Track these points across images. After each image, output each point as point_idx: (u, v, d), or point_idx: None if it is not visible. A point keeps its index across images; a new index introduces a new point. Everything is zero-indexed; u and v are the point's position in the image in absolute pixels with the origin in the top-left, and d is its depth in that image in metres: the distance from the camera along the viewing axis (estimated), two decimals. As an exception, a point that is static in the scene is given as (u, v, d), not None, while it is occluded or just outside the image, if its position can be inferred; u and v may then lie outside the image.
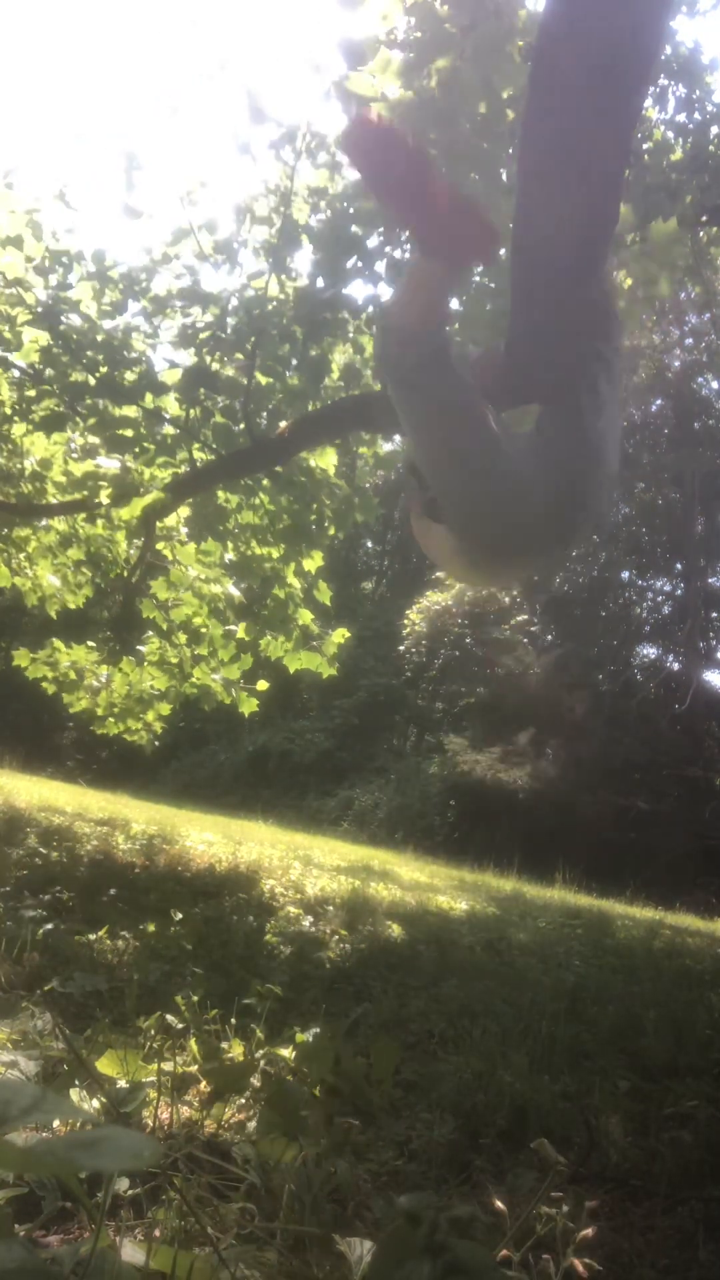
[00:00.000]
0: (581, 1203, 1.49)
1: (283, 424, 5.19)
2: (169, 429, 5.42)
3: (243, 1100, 2.03)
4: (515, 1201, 1.72)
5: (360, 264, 4.20)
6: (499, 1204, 1.48)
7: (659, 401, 22.26)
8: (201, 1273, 1.18)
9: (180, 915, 4.15)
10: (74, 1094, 1.78)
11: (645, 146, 5.48)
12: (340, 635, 6.51)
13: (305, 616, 6.44)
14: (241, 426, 5.11)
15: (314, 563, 6.27)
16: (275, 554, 6.27)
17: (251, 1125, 1.91)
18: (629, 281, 4.55)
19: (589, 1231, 1.39)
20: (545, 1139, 1.65)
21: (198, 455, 5.54)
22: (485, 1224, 1.51)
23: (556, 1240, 1.41)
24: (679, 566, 23.21)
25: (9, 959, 2.91)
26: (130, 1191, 1.53)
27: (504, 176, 3.99)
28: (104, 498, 5.28)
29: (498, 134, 3.83)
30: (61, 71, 57.26)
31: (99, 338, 5.19)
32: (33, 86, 56.24)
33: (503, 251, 2.04)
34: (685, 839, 16.67)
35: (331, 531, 6.07)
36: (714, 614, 22.93)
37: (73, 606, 7.26)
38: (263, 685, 6.75)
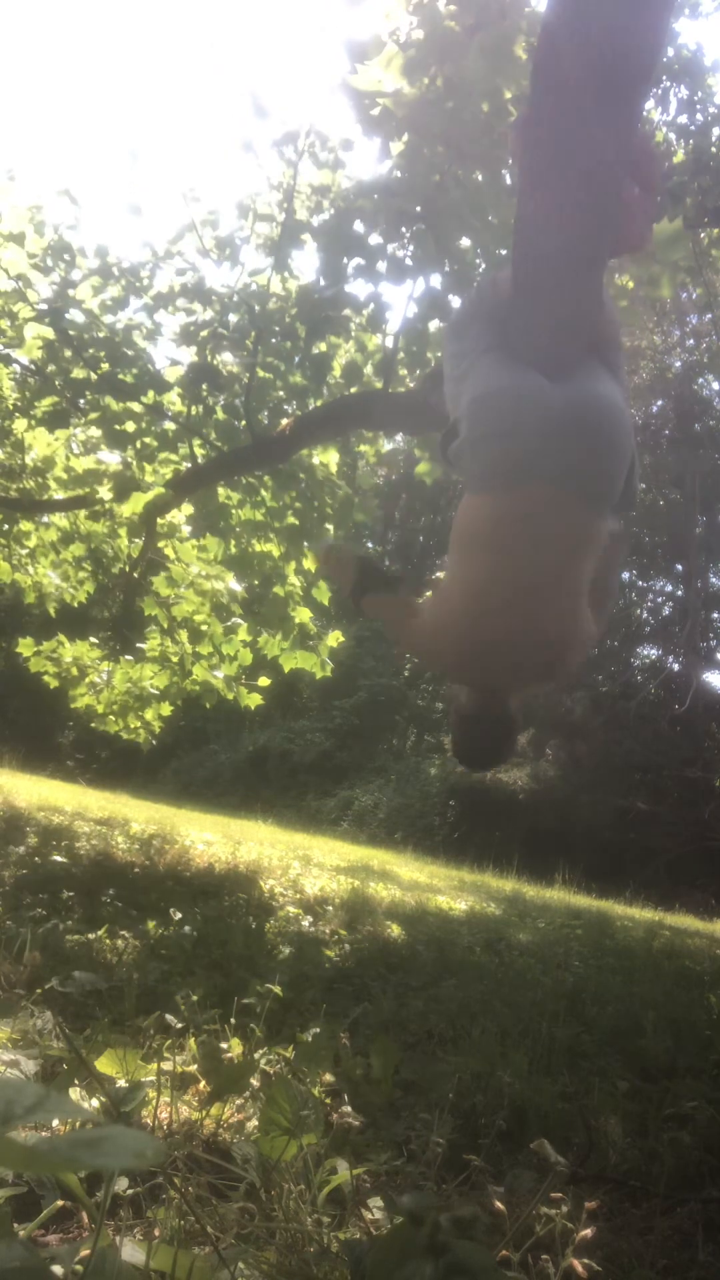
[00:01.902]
0: (581, 1203, 1.49)
1: (284, 421, 5.19)
2: (170, 425, 5.43)
3: (242, 1100, 2.03)
4: (515, 1201, 1.72)
5: (362, 262, 4.19)
6: (499, 1204, 1.48)
7: (659, 402, 22.26)
8: (201, 1272, 1.18)
9: (180, 915, 4.14)
10: (73, 1093, 1.78)
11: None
12: (335, 638, 6.51)
13: (304, 615, 6.44)
14: (243, 424, 5.12)
15: (313, 561, 6.27)
16: (276, 551, 6.27)
17: (251, 1125, 1.91)
18: (631, 284, 4.55)
19: (588, 1232, 1.38)
20: (545, 1139, 1.65)
21: (199, 451, 5.54)
22: (485, 1224, 1.51)
23: (556, 1240, 1.41)
24: (679, 567, 23.21)
25: (9, 959, 2.91)
26: (130, 1191, 1.53)
27: (506, 176, 3.99)
28: (105, 492, 5.28)
29: (501, 133, 3.83)
30: (68, 66, 57.29)
31: (101, 334, 5.19)
32: (38, 81, 56.26)
33: (503, 251, 2.03)
34: (685, 839, 16.67)
35: (332, 531, 6.06)
36: (714, 615, 22.94)
37: (72, 603, 7.26)
38: (264, 681, 6.75)
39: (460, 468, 1.79)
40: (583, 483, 1.67)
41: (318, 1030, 2.56)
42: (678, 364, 21.55)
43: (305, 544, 6.00)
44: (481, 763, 2.15)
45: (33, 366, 5.40)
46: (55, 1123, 1.44)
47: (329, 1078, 2.24)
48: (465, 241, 4.17)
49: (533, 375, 1.72)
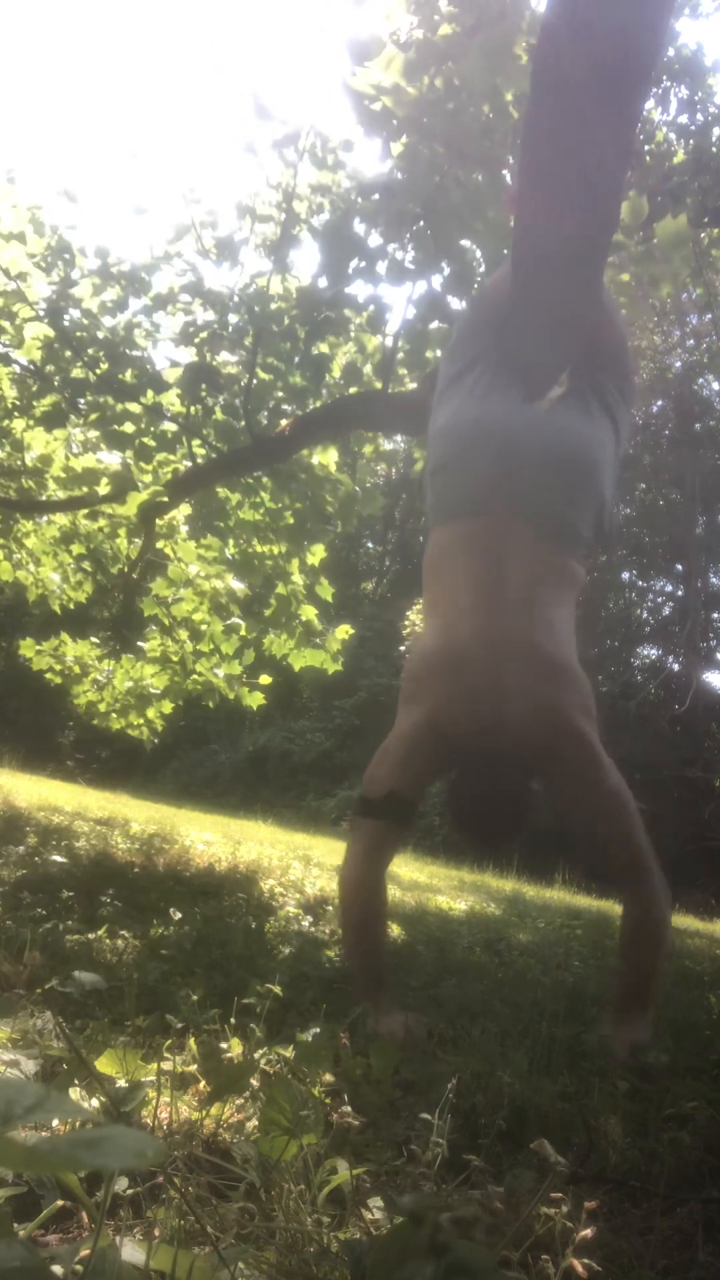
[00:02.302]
0: (581, 1203, 1.49)
1: (284, 421, 5.19)
2: (169, 425, 5.43)
3: (242, 1100, 2.03)
4: (515, 1201, 1.72)
5: (363, 263, 4.19)
6: (498, 1204, 1.48)
7: (659, 402, 22.28)
8: (201, 1272, 1.18)
9: (180, 915, 4.14)
10: (73, 1093, 1.78)
11: (647, 148, 5.50)
12: (344, 631, 6.51)
13: (309, 612, 6.44)
14: (242, 424, 5.12)
15: (316, 556, 6.27)
16: (277, 550, 6.27)
17: (251, 1125, 1.91)
18: (627, 277, 4.55)
19: (588, 1232, 1.38)
20: (545, 1139, 1.65)
21: (198, 452, 5.55)
22: (486, 1224, 1.51)
23: (556, 1240, 1.41)
24: (679, 567, 23.23)
25: (9, 959, 2.91)
26: (129, 1191, 1.53)
27: (507, 177, 3.99)
28: (102, 489, 5.29)
29: (502, 134, 3.83)
30: (69, 67, 57.31)
31: (100, 334, 5.20)
32: (39, 81, 56.28)
33: (505, 250, 2.03)
34: (685, 839, 16.67)
35: (339, 528, 6.08)
36: (714, 615, 22.94)
37: (71, 605, 7.27)
38: (266, 680, 6.75)
39: (425, 498, 1.85)
40: (539, 516, 1.68)
41: (318, 1030, 2.55)
42: (678, 364, 21.58)
43: (305, 541, 6.01)
44: (483, 833, 1.93)
45: (32, 367, 5.40)
46: (55, 1123, 1.45)
47: (329, 1078, 2.24)
48: (465, 242, 4.18)
49: (499, 405, 1.72)
